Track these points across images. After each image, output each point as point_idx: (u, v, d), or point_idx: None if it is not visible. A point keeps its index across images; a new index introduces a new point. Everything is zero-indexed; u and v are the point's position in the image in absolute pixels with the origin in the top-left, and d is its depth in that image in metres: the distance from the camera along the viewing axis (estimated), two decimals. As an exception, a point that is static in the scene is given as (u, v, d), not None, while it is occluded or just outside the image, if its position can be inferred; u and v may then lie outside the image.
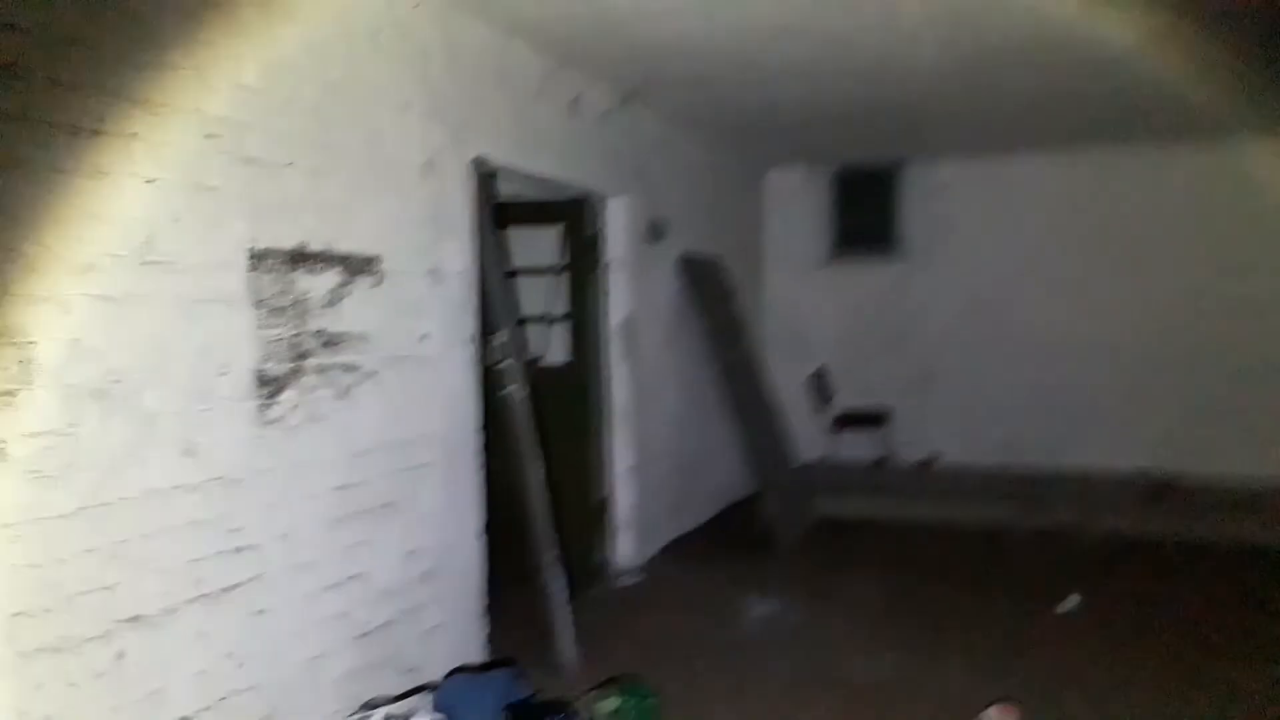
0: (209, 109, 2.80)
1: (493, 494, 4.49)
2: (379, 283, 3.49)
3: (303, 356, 3.14)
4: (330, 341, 3.26)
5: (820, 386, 7.96)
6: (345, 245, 3.33)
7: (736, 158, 7.66)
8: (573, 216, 5.67)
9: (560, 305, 5.79)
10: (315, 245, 3.19)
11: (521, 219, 5.79)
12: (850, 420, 7.98)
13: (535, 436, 4.15)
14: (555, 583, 4.13)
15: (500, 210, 5.77)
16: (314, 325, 3.18)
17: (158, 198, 2.65)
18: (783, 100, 5.73)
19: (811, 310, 8.55)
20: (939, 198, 8.20)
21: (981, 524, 6.71)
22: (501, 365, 4.10)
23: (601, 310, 5.67)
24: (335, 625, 3.27)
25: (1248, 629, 4.53)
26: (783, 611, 4.92)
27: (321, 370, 3.21)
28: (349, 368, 3.35)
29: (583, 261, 5.68)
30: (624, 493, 5.70)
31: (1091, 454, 7.72)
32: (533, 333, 5.84)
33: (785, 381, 8.31)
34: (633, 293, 5.71)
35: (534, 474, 4.09)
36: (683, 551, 6.16)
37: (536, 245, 5.83)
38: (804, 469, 7.50)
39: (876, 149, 7.75)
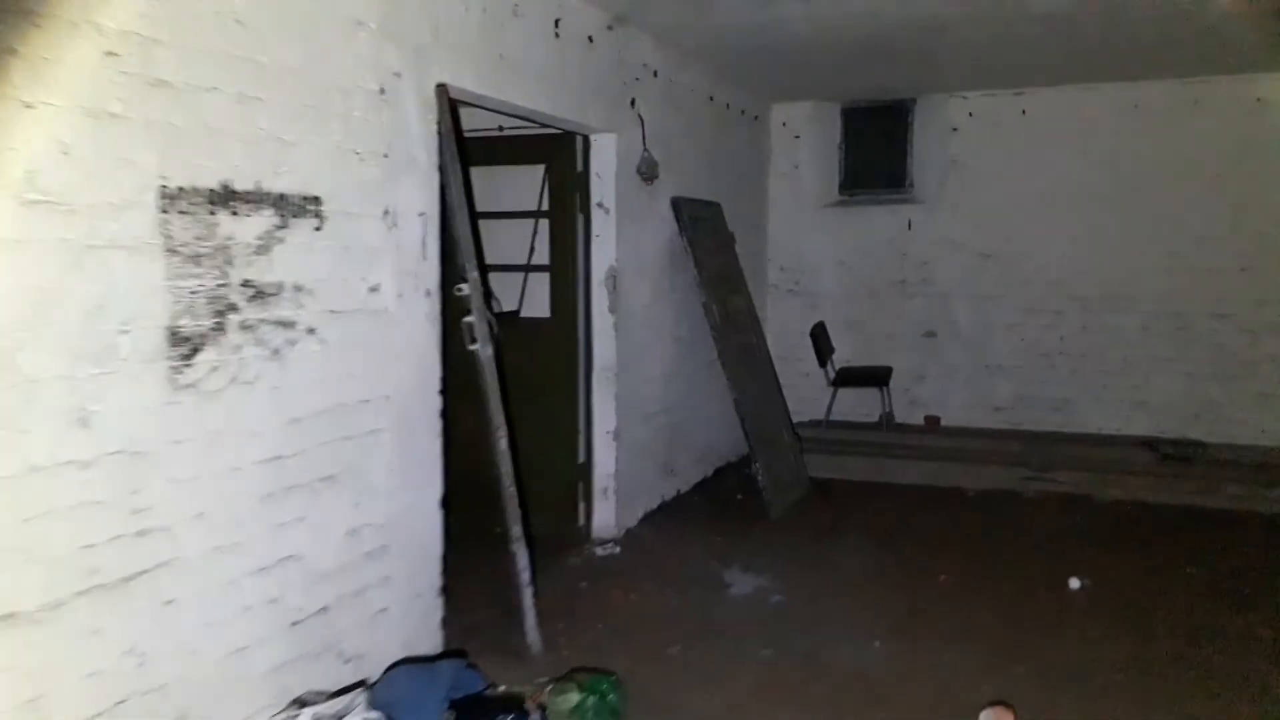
0: (107, 21, 2.40)
1: (463, 457, 4.20)
2: (320, 226, 3.12)
3: (226, 311, 2.78)
4: (260, 294, 2.90)
5: (819, 341, 7.61)
6: (280, 184, 2.95)
7: (739, 90, 7.20)
8: (555, 155, 5.28)
9: (541, 253, 5.42)
10: (242, 184, 2.81)
11: (498, 157, 5.40)
12: (850, 377, 7.65)
13: (503, 399, 3.81)
14: (520, 560, 3.83)
15: (474, 147, 5.39)
16: (240, 276, 2.82)
17: (41, 126, 2.27)
18: (788, 23, 5.28)
19: (815, 257, 8.16)
20: (952, 136, 7.76)
21: (986, 489, 6.44)
22: (468, 319, 3.74)
23: (586, 259, 5.30)
24: (263, 613, 2.96)
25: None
26: (768, 587, 4.64)
27: (249, 327, 2.86)
28: (283, 323, 2.99)
29: (566, 205, 5.30)
30: (604, 457, 5.39)
31: (1104, 416, 7.42)
32: (509, 283, 5.48)
33: (784, 335, 7.97)
34: (621, 239, 5.33)
35: (501, 440, 3.76)
36: (667, 518, 5.87)
37: (516, 187, 5.45)
38: (800, 429, 7.19)
39: (888, 82, 7.31)
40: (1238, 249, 7.00)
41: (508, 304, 5.48)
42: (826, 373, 7.59)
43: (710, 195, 6.55)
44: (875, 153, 8.04)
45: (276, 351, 2.97)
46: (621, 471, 5.43)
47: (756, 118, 7.77)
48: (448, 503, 3.85)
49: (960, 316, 7.81)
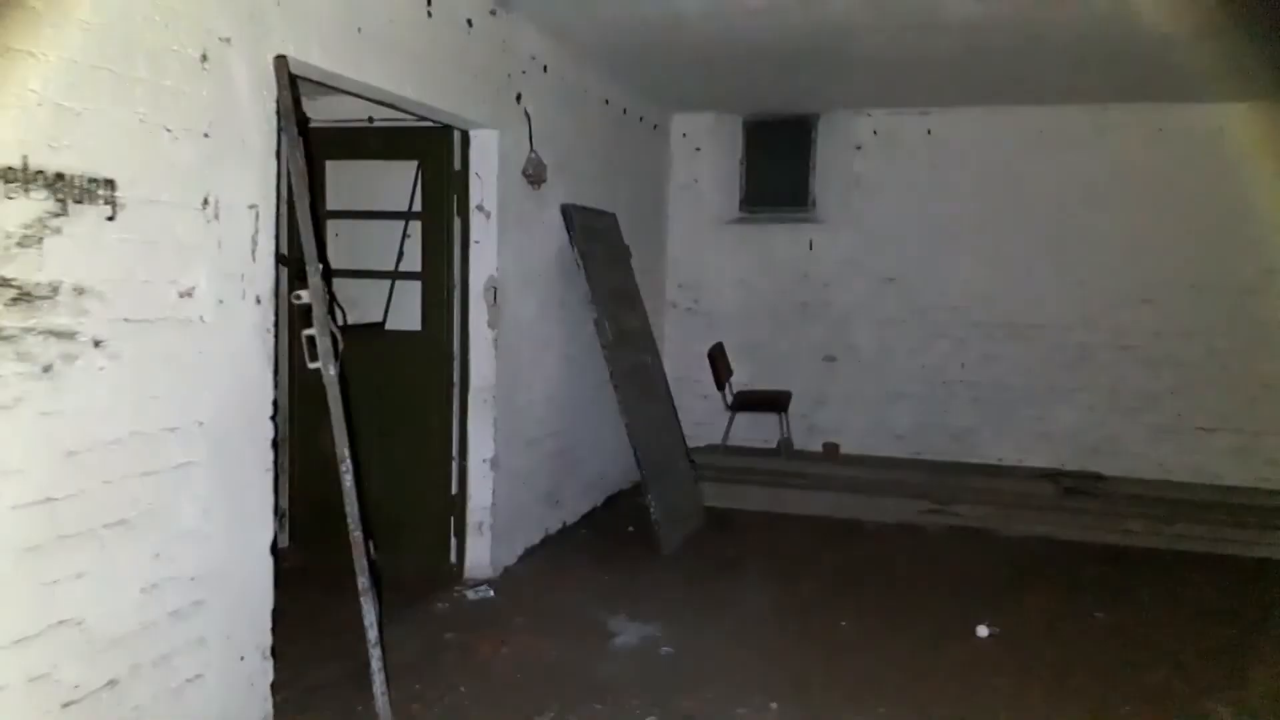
0: None
1: (320, 481, 3.64)
2: (114, 215, 2.55)
3: (-30, 317, 2.20)
4: (24, 296, 2.32)
5: (718, 363, 7.26)
6: (57, 161, 2.38)
7: (638, 96, 6.81)
8: (430, 151, 4.77)
9: (412, 259, 4.90)
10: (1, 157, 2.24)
11: (366, 151, 4.88)
12: (748, 402, 7.32)
13: (351, 424, 3.28)
14: (368, 614, 3.29)
15: (338, 138, 4.85)
16: (-5, 272, 2.25)
17: None
18: (684, 21, 4.91)
19: (715, 274, 7.83)
20: (857, 154, 7.55)
21: (888, 521, 6.17)
22: (307, 333, 3.20)
23: (463, 267, 4.80)
24: (25, 695, 2.37)
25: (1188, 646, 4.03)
26: (657, 637, 4.21)
27: (5, 337, 2.28)
28: (58, 334, 2.41)
29: (441, 207, 4.80)
30: (480, 488, 4.88)
31: (1005, 447, 7.27)
32: (375, 291, 4.94)
33: (682, 356, 7.60)
34: (503, 247, 4.85)
35: (346, 476, 3.23)
36: (550, 555, 5.39)
37: (385, 185, 4.92)
38: (696, 454, 6.82)
39: (792, 95, 7.04)
40: (1140, 279, 6.94)
41: (372, 314, 4.93)
42: (725, 396, 7.24)
43: (605, 205, 6.13)
44: (777, 169, 7.78)
45: (47, 369, 2.39)
46: (499, 504, 4.93)
47: (656, 126, 7.40)
48: (280, 545, 3.30)
49: (861, 341, 7.58)
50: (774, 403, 7.36)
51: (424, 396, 4.83)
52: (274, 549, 3.30)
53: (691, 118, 7.70)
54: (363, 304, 5.02)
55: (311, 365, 3.21)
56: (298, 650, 3.69)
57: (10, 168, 2.26)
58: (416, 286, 4.86)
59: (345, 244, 5.02)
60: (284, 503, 4.98)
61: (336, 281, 5.00)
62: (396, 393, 4.82)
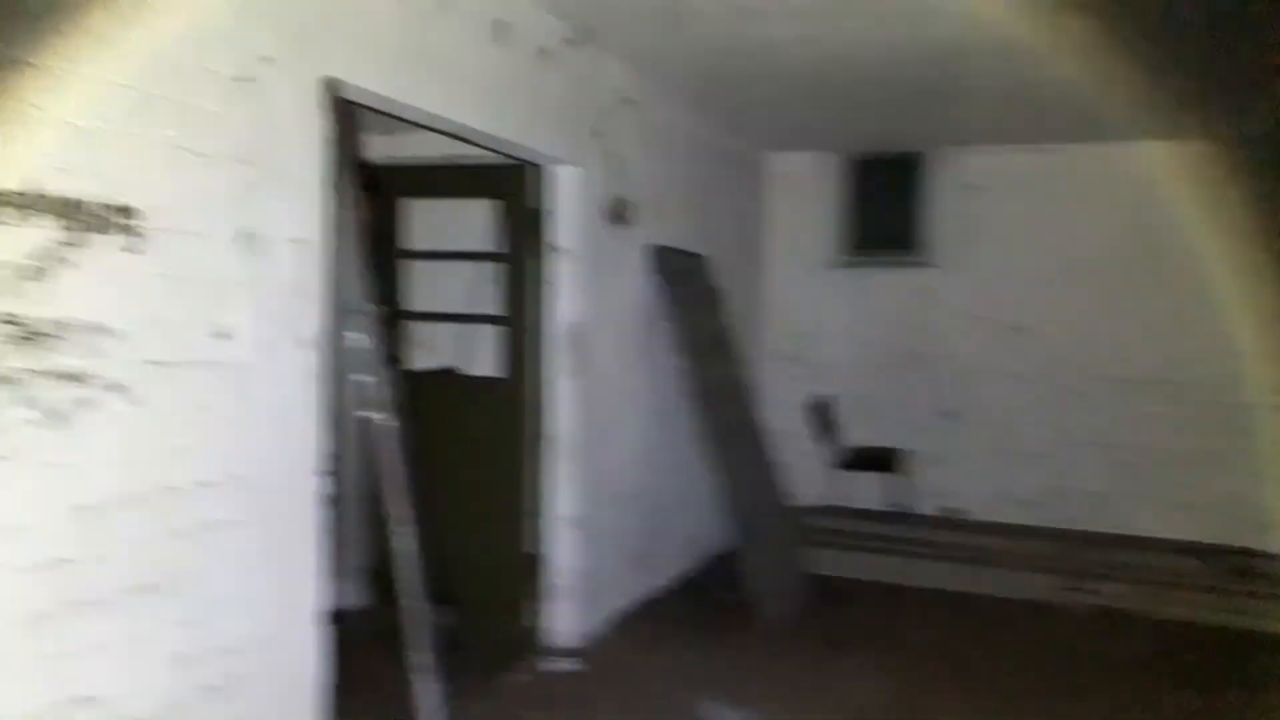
0: None
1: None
2: (132, 247, 2.33)
3: (-34, 356, 1.98)
4: (31, 335, 2.10)
5: (824, 417, 6.78)
6: (69, 185, 2.17)
7: (731, 133, 6.50)
8: (508, 188, 4.54)
9: (492, 302, 4.65)
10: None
11: (443, 189, 4.68)
12: (859, 460, 6.80)
13: (404, 480, 2.98)
14: (425, 699, 2.95)
15: (414, 176, 4.67)
16: (-4, 307, 2.03)
17: None
18: (780, 48, 4.57)
19: (817, 323, 7.38)
20: (973, 193, 7.03)
21: (1015, 597, 5.53)
22: (356, 378, 2.93)
23: (545, 311, 4.52)
24: (20, 786, 2.10)
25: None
26: (755, 726, 3.74)
27: (7, 380, 2.05)
28: (70, 376, 2.19)
29: (521, 247, 4.54)
30: (563, 548, 4.52)
31: (1145, 516, 6.49)
32: (455, 336, 4.71)
33: (781, 409, 7.14)
34: (587, 290, 4.56)
35: (402, 537, 2.92)
36: (639, 624, 4.97)
37: (464, 224, 4.71)
38: (799, 518, 6.32)
39: (897, 131, 6.60)
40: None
41: (447, 359, 4.70)
42: (830, 452, 6.74)
43: (697, 247, 5.80)
44: (884, 211, 7.31)
45: (57, 415, 2.16)
46: (583, 566, 4.56)
47: (751, 165, 7.07)
48: (363, 604, 3.00)
49: (983, 395, 6.98)
50: (886, 461, 6.82)
51: (502, 447, 4.53)
52: (338, 616, 3.01)
53: (789, 157, 7.34)
54: (443, 349, 4.80)
55: (358, 414, 2.94)
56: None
57: (11, 192, 2.05)
58: (496, 331, 4.60)
59: (424, 286, 4.82)
60: (367, 559, 4.74)
61: (418, 326, 4.80)
62: (473, 442, 4.54)
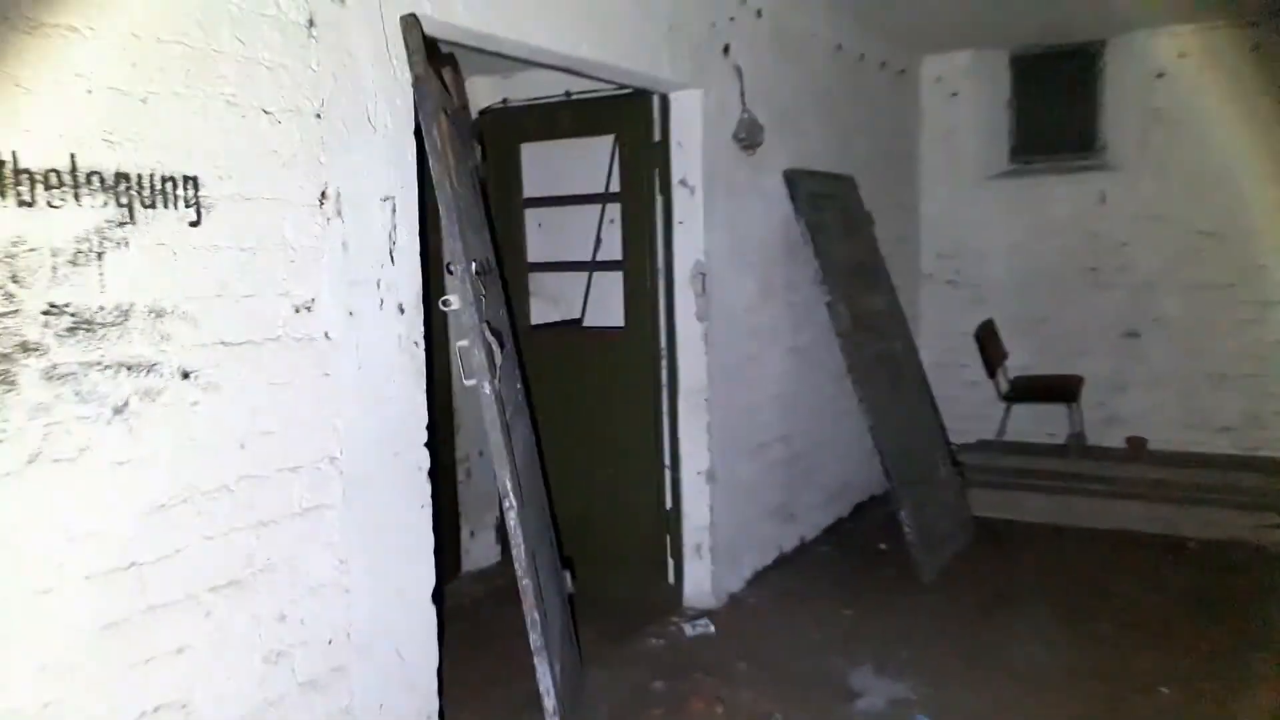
0: None
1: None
2: (197, 220, 2.14)
3: (14, 355, 1.83)
4: (84, 324, 1.94)
5: (987, 345, 6.20)
6: (116, 158, 1.98)
7: (876, 38, 5.87)
8: (625, 121, 4.19)
9: (611, 247, 4.35)
10: (37, 156, 1.85)
11: (560, 129, 4.36)
12: (1028, 390, 6.20)
13: (508, 450, 2.75)
14: (544, 678, 2.76)
15: (533, 117, 4.38)
16: (42, 299, 1.87)
17: None
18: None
19: (980, 240, 6.73)
20: (1157, 84, 6.16)
21: (1212, 538, 4.92)
22: (462, 344, 2.70)
23: (666, 252, 4.18)
24: (112, 799, 2.02)
25: None
26: (910, 699, 3.40)
27: (60, 375, 1.90)
28: (132, 366, 2.02)
29: (640, 185, 4.20)
30: (696, 504, 4.25)
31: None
32: (570, 285, 4.45)
33: (941, 338, 6.60)
34: (712, 226, 4.18)
35: (510, 513, 2.70)
36: (783, 580, 4.67)
37: (583, 164, 4.39)
38: (962, 455, 5.84)
39: (1073, 17, 5.81)
40: None
41: (571, 310, 4.44)
42: (997, 384, 6.17)
43: (839, 168, 5.29)
44: (1055, 110, 6.57)
45: (120, 409, 2.01)
46: (719, 522, 4.28)
47: (902, 72, 6.41)
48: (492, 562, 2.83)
49: (1171, 311, 6.22)
50: (1061, 390, 6.20)
51: (629, 400, 4.28)
52: (437, 596, 2.85)
53: (945, 58, 6.63)
54: (568, 299, 4.56)
55: (467, 383, 2.70)
56: (486, 707, 3.26)
57: (53, 170, 1.87)
58: (617, 277, 4.30)
59: (547, 234, 4.57)
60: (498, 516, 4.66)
61: (537, 277, 4.57)
62: (598, 397, 4.31)
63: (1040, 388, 6.26)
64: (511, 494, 2.65)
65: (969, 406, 6.43)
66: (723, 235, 4.24)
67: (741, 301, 4.44)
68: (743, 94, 4.33)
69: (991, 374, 6.17)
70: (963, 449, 6.11)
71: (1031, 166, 6.64)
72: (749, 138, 4.34)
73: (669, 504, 4.30)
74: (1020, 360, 6.43)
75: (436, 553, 2.85)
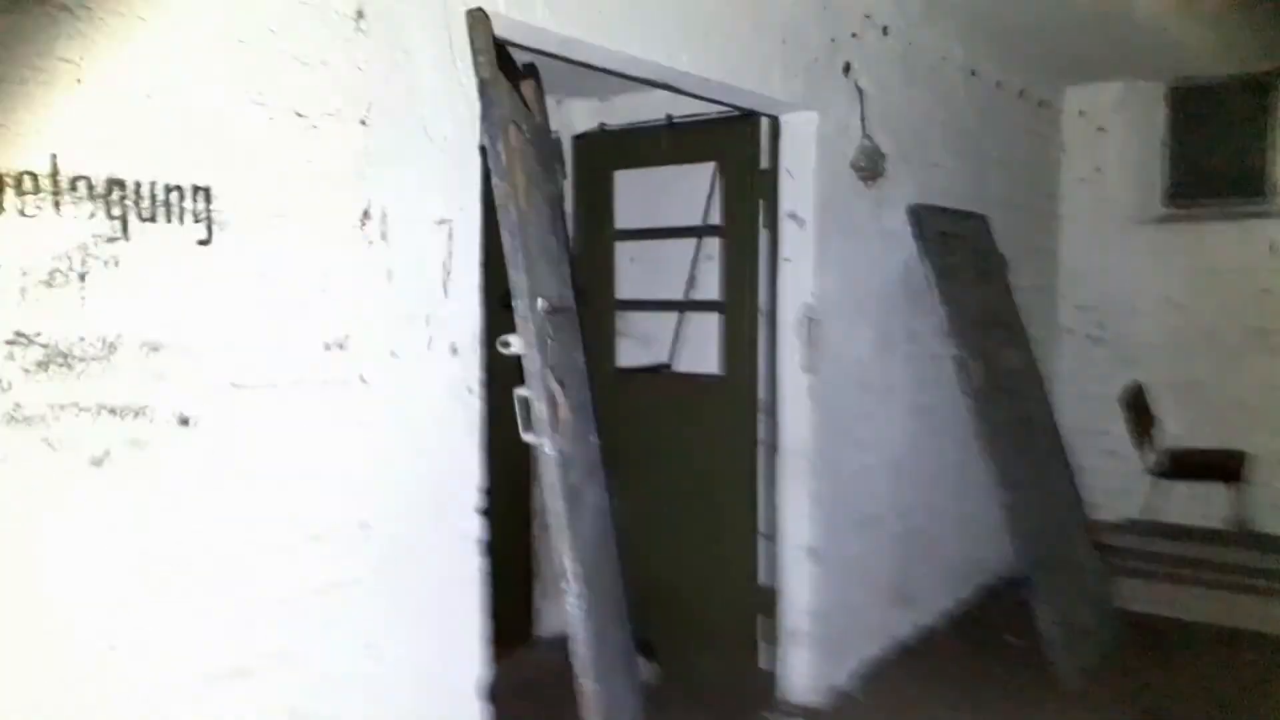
0: None
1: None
2: (207, 238, 1.83)
3: (-34, 391, 1.54)
4: (56, 357, 1.63)
5: (1138, 411, 5.54)
6: (109, 162, 1.68)
7: (1015, 65, 5.36)
8: (728, 146, 3.81)
9: (708, 285, 3.95)
10: (4, 158, 1.56)
11: (658, 155, 4.02)
12: (1185, 466, 5.51)
13: (569, 527, 2.35)
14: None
15: (630, 143, 4.06)
16: (2, 326, 1.57)
17: None
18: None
19: (1129, 291, 6.08)
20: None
21: None
22: (521, 393, 2.33)
23: (772, 293, 3.76)
24: None
25: None
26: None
27: (24, 418, 1.59)
28: (114, 409, 1.71)
29: (743, 217, 3.80)
30: (797, 582, 3.77)
31: None
32: (659, 325, 4.06)
33: (1081, 402, 5.95)
34: (827, 265, 3.75)
35: (572, 598, 2.30)
36: (896, 676, 4.12)
37: (681, 194, 4.03)
38: (1106, 540, 5.18)
39: (1238, 48, 5.19)
40: None
41: (660, 353, 4.06)
42: (1145, 456, 5.50)
43: (971, 205, 4.79)
44: (1218, 148, 5.95)
45: (100, 460, 1.69)
46: (823, 604, 3.79)
47: (1042, 103, 5.87)
48: (495, 694, 2.44)
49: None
50: (1221, 467, 5.49)
51: (722, 458, 3.85)
52: (491, 694, 2.46)
53: (1092, 89, 6.05)
54: (659, 341, 4.18)
55: (526, 437, 2.33)
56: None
57: (28, 174, 1.58)
58: (714, 319, 3.90)
59: (638, 269, 4.21)
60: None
61: (626, 316, 4.21)
62: (687, 452, 3.90)
63: (1197, 463, 5.56)
64: (571, 575, 2.25)
65: (1110, 479, 5.76)
66: (836, 276, 3.80)
67: (855, 352, 3.98)
68: (864, 118, 3.90)
69: (1139, 444, 5.51)
70: (1106, 529, 5.45)
71: (1190, 211, 6.00)
72: (870, 167, 3.90)
73: (765, 579, 3.84)
74: (1172, 430, 5.75)
75: (501, 617, 2.48)
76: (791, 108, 3.63)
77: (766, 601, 3.83)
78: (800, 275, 3.71)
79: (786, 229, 3.71)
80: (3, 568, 1.58)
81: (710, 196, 3.88)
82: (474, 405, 2.37)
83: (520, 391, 2.34)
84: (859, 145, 3.88)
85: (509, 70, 2.49)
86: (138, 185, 1.72)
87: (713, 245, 3.93)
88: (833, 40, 3.75)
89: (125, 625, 1.74)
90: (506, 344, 2.32)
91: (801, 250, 3.70)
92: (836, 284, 3.80)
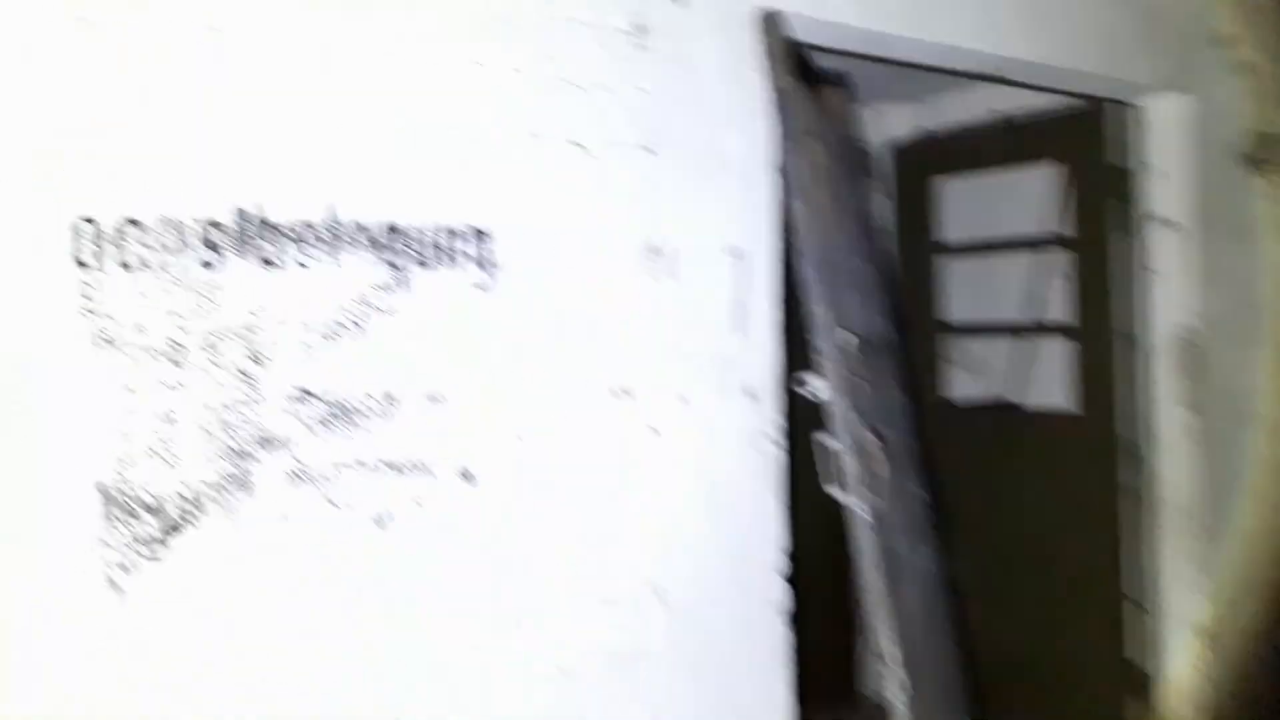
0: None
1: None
2: (482, 283, 1.76)
3: (250, 450, 1.54)
4: (338, 413, 1.62)
5: None
6: (388, 207, 1.66)
7: None
8: (1075, 141, 3.32)
9: (1054, 306, 3.46)
10: (289, 208, 1.57)
11: (986, 158, 3.61)
12: None
13: (888, 598, 2.05)
14: None
15: (924, 151, 3.70)
16: (287, 381, 1.58)
17: None
18: None
19: None
20: None
21: None
22: (825, 439, 2.08)
23: (1142, 313, 3.20)
24: None
25: None
26: None
27: (307, 477, 1.59)
28: (397, 466, 1.67)
29: (1097, 223, 3.29)
30: (1182, 664, 3.15)
31: None
32: (1008, 354, 3.61)
33: None
34: (1211, 278, 3.13)
35: (894, 688, 1.99)
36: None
37: (1006, 201, 3.60)
38: None
39: None
40: None
41: (998, 386, 3.61)
42: None
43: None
44: None
45: (382, 520, 1.65)
46: (1215, 695, 3.14)
47: None
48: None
49: None
50: None
51: (1081, 511, 3.31)
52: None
53: None
54: (993, 372, 3.73)
55: (829, 490, 2.07)
56: None
57: (306, 224, 1.58)
58: (1060, 346, 3.40)
59: (967, 288, 3.80)
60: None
61: (958, 342, 3.82)
62: (1035, 503, 3.40)
63: None
64: (890, 659, 1.94)
65: None
66: (1223, 291, 3.16)
67: (1250, 383, 3.29)
68: (1249, 99, 3.24)
69: None
70: None
71: None
72: (1263, 158, 3.23)
73: (1136, 658, 3.25)
74: None
75: (816, 673, 2.23)
76: (1154, 91, 3.08)
77: (1138, 683, 3.24)
78: (1175, 292, 3.12)
79: (1156, 236, 3.15)
80: (286, 631, 1.57)
81: (1052, 201, 3.39)
82: (773, 456, 2.15)
83: (822, 438, 2.08)
84: (1246, 131, 3.22)
85: (808, 77, 2.26)
86: (417, 231, 1.68)
87: (1054, 259, 3.43)
88: (1202, 7, 3.15)
89: (401, 692, 1.68)
90: (802, 382, 2.07)
91: (1175, 261, 3.12)
92: (1224, 302, 3.17)
